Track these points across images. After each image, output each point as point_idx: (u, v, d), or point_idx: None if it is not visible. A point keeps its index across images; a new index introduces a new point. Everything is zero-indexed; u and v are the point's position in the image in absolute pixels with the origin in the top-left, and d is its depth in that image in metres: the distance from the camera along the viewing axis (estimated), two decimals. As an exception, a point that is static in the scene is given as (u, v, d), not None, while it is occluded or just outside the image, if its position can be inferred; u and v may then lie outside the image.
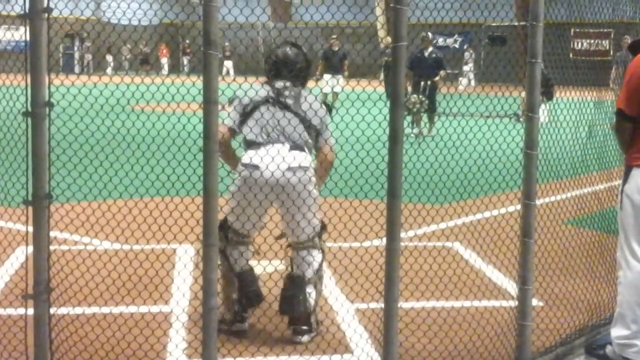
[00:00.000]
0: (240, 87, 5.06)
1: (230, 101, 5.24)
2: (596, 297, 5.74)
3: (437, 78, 17.17)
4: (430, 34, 17.87)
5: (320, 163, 5.34)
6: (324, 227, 5.33)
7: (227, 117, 5.18)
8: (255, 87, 5.21)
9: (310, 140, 5.16)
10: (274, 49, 5.33)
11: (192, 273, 6.31)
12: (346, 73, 23.58)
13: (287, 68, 5.23)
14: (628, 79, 4.82)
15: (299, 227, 5.12)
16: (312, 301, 5.17)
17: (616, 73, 6.63)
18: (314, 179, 5.11)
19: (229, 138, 5.18)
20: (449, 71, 23.76)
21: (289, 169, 5.00)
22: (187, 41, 44.05)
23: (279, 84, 5.20)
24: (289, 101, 5.16)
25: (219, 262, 4.88)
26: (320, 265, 5.27)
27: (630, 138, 4.86)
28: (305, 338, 5.14)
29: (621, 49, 7.49)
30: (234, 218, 5.10)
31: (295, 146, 5.08)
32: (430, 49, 17.79)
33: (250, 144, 5.11)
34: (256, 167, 5.01)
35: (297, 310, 5.15)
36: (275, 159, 4.96)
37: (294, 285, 5.17)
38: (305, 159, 5.07)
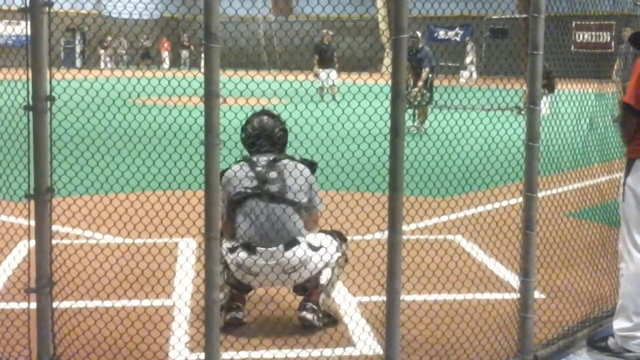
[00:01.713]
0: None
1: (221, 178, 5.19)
2: (598, 289, 5.74)
3: (424, 74, 17.13)
4: (419, 33, 17.78)
5: (309, 226, 5.37)
6: (344, 239, 5.44)
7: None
8: (234, 168, 5.24)
9: (300, 225, 5.21)
10: (250, 118, 5.34)
11: (194, 266, 6.32)
12: (337, 65, 23.67)
13: (266, 140, 5.26)
14: (639, 74, 4.77)
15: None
16: (324, 279, 5.22)
17: (619, 66, 6.62)
18: (312, 256, 5.18)
19: (225, 228, 5.21)
20: (442, 64, 23.75)
21: (284, 272, 5.14)
22: (186, 35, 44.06)
23: (260, 164, 5.21)
24: (274, 188, 5.16)
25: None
26: (342, 259, 5.37)
27: (633, 131, 4.84)
28: (309, 315, 5.17)
29: (622, 41, 7.48)
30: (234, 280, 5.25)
31: (290, 242, 5.13)
32: (420, 45, 17.73)
33: (244, 244, 5.15)
34: (252, 272, 5.14)
35: (308, 284, 5.24)
36: (270, 265, 5.09)
37: None
38: (299, 257, 5.14)
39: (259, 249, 5.12)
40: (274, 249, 5.12)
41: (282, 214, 5.16)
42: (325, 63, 23.51)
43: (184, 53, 45.47)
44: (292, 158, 5.33)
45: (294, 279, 5.22)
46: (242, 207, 5.19)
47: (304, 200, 5.24)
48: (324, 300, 5.26)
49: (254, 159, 5.27)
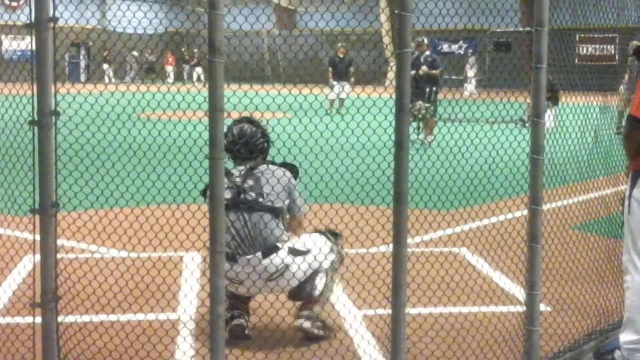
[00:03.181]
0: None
1: (204, 195, 5.25)
2: (604, 301, 5.72)
3: (435, 71, 17.17)
4: (425, 39, 17.84)
5: (293, 229, 5.43)
6: (336, 235, 5.40)
7: None
8: None
9: (278, 231, 5.21)
10: (230, 126, 5.34)
11: (199, 280, 6.31)
12: (352, 80, 23.66)
13: (245, 147, 5.26)
14: None
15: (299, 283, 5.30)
16: (320, 286, 5.23)
17: (628, 78, 6.62)
18: (292, 259, 5.18)
19: None
20: (446, 77, 23.82)
21: (266, 279, 5.16)
22: (184, 49, 44.20)
23: (237, 174, 5.23)
24: (250, 197, 5.18)
25: None
26: (337, 259, 5.36)
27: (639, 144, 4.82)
28: (306, 324, 5.18)
29: (628, 53, 7.49)
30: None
31: (266, 251, 5.15)
32: (427, 52, 17.77)
33: (227, 255, 5.12)
34: (235, 280, 5.17)
35: (301, 295, 5.26)
36: (250, 274, 5.10)
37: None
38: (278, 263, 5.15)
39: (238, 257, 5.14)
40: (251, 256, 5.14)
41: (259, 222, 5.17)
42: (340, 76, 23.55)
43: (185, 68, 45.59)
44: (272, 163, 5.34)
45: (280, 286, 5.23)
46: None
47: (284, 204, 5.25)
48: (317, 310, 5.27)
49: (232, 170, 5.28)
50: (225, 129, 5.31)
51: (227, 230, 5.14)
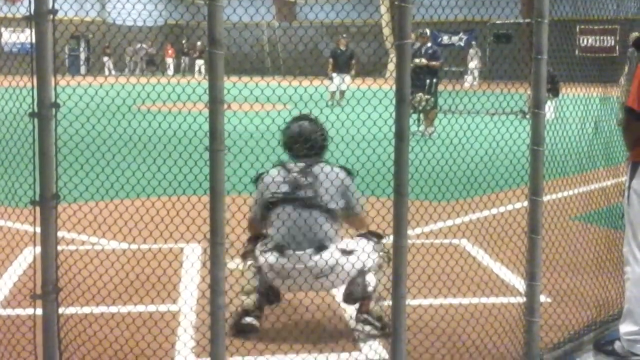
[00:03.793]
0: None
1: (255, 182, 5.34)
2: (604, 292, 5.73)
3: (435, 62, 17.15)
4: (427, 31, 17.82)
5: (356, 228, 5.47)
6: (380, 237, 5.41)
7: (250, 210, 5.38)
8: (271, 173, 5.28)
9: (331, 231, 5.20)
10: (289, 123, 5.39)
11: (199, 272, 6.32)
12: (353, 72, 23.63)
13: (304, 144, 5.27)
14: None
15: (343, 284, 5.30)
16: (373, 282, 5.21)
17: (627, 69, 6.62)
18: (342, 263, 5.16)
19: (256, 228, 5.40)
20: (446, 69, 23.80)
21: (314, 276, 5.13)
22: (184, 42, 44.17)
23: (295, 168, 5.25)
24: (306, 193, 5.19)
25: (250, 258, 5.22)
26: (381, 260, 5.32)
27: (637, 135, 4.83)
28: (367, 328, 5.15)
29: (628, 45, 7.49)
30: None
31: (318, 248, 5.12)
32: (428, 44, 17.75)
33: (275, 247, 5.18)
34: (282, 274, 5.14)
35: (355, 293, 5.22)
36: (299, 269, 5.09)
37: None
38: (328, 260, 5.12)
39: (288, 252, 5.13)
40: (301, 252, 5.12)
41: (312, 219, 5.16)
42: (341, 68, 23.51)
43: (184, 59, 45.56)
44: (328, 163, 5.33)
45: (324, 285, 5.20)
46: (275, 211, 5.22)
47: (338, 205, 5.23)
48: (374, 307, 5.21)
49: (290, 164, 5.30)
50: (284, 126, 5.36)
51: (276, 222, 5.18)
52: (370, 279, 5.23)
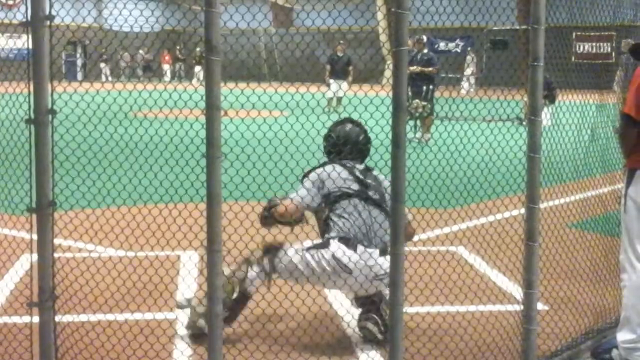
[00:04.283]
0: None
1: (306, 176, 5.27)
2: (601, 300, 5.73)
3: (431, 69, 17.14)
4: (424, 37, 17.83)
5: (408, 235, 5.29)
6: None
7: (297, 194, 5.20)
8: (327, 169, 5.21)
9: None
10: (333, 127, 5.41)
11: (196, 279, 6.31)
12: (350, 78, 23.63)
13: (353, 147, 5.30)
14: (638, 85, 4.76)
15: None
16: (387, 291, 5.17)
17: (620, 77, 6.62)
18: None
19: (294, 214, 5.19)
20: (443, 75, 23.82)
21: (375, 276, 5.05)
22: (178, 47, 44.20)
23: (358, 169, 5.24)
24: (375, 195, 5.18)
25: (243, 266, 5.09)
26: None
27: (634, 142, 4.83)
28: (374, 327, 5.12)
29: (622, 52, 7.50)
30: (287, 273, 5.12)
31: (384, 250, 5.04)
32: (425, 50, 17.76)
33: (343, 238, 5.09)
34: (346, 268, 5.03)
35: (377, 298, 5.20)
36: (365, 268, 5.00)
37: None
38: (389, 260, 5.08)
39: (360, 247, 5.06)
40: (372, 250, 5.07)
41: (380, 219, 5.13)
42: (338, 74, 23.51)
43: (178, 66, 45.55)
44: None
45: (376, 287, 5.11)
46: (342, 203, 5.14)
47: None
48: (387, 310, 5.19)
49: (349, 163, 5.28)
50: (331, 128, 5.38)
51: (345, 217, 5.10)
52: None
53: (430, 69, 17.16)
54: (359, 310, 5.36)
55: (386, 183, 5.19)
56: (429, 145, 15.23)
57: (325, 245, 5.08)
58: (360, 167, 5.29)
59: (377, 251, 5.07)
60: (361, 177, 5.22)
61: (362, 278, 5.03)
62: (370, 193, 5.19)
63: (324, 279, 5.07)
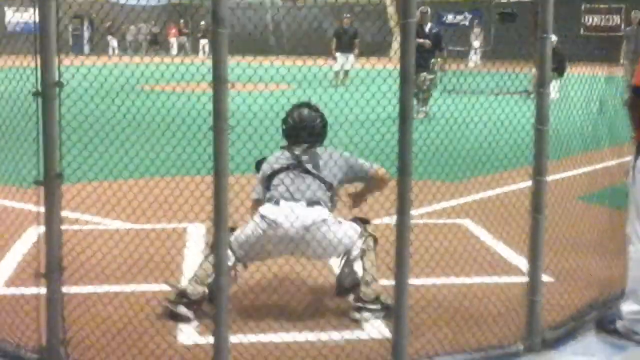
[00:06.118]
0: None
1: (257, 167, 5.44)
2: (607, 272, 5.74)
3: (433, 60, 17.03)
4: (429, 9, 17.69)
5: (375, 183, 5.46)
6: (366, 222, 5.42)
7: (253, 190, 5.44)
8: (274, 154, 5.40)
9: (326, 198, 5.25)
10: (289, 111, 5.46)
11: (202, 251, 6.33)
12: (356, 51, 23.54)
13: (305, 131, 5.36)
14: None
15: (327, 257, 5.32)
16: (359, 274, 5.21)
17: (627, 48, 6.59)
18: (331, 219, 5.19)
19: (255, 208, 5.36)
20: (450, 48, 23.66)
21: (304, 226, 5.09)
22: (182, 21, 44.02)
23: (298, 150, 5.34)
24: (308, 166, 5.29)
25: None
26: (368, 243, 5.30)
27: None
28: (357, 315, 5.14)
29: (631, 24, 7.46)
30: (242, 252, 5.18)
31: (311, 203, 5.15)
32: (430, 24, 17.62)
33: (269, 199, 5.23)
34: (274, 222, 5.11)
35: (345, 283, 5.28)
36: (290, 217, 5.07)
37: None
38: (319, 214, 5.15)
39: (282, 202, 5.16)
40: (295, 203, 5.15)
41: (309, 181, 5.22)
42: (344, 47, 23.44)
43: (181, 39, 45.35)
44: (326, 147, 5.42)
45: (307, 240, 5.14)
46: (274, 179, 5.29)
47: (337, 180, 5.31)
48: (366, 290, 5.20)
49: (292, 147, 5.38)
50: (285, 114, 5.37)
51: (275, 185, 5.24)
52: (357, 267, 5.24)
53: (432, 60, 16.92)
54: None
55: (334, 155, 5.28)
56: (436, 118, 15.17)
57: (256, 212, 5.22)
58: (304, 146, 5.35)
59: (304, 202, 5.14)
60: (299, 154, 5.32)
61: (293, 230, 5.08)
62: (305, 164, 5.28)
63: (267, 245, 5.15)
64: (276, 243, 5.15)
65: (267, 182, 5.33)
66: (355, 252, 5.23)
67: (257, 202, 5.37)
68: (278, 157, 5.37)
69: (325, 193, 5.25)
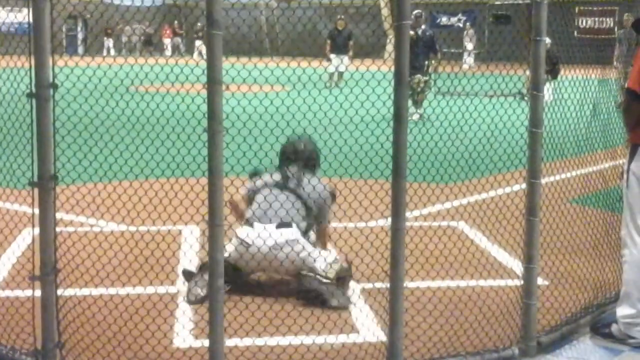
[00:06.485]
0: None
1: (251, 176, 5.90)
2: (601, 275, 5.74)
3: (427, 62, 17.07)
4: (423, 13, 17.75)
5: (321, 238, 5.95)
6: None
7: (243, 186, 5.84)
8: (270, 171, 5.88)
9: (298, 218, 5.63)
10: (293, 139, 5.96)
11: (198, 254, 6.33)
12: (351, 53, 23.57)
13: (297, 156, 5.85)
14: None
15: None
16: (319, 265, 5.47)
17: (619, 51, 6.61)
18: (303, 242, 5.55)
19: (239, 201, 5.92)
20: (445, 50, 23.71)
21: (275, 246, 5.46)
22: (175, 22, 43.99)
23: (290, 170, 5.81)
24: (291, 185, 5.75)
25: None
26: (341, 268, 5.62)
27: (637, 117, 4.82)
28: (314, 282, 5.43)
29: (624, 27, 7.47)
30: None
31: (282, 224, 5.54)
32: (423, 27, 17.66)
33: (247, 221, 5.67)
34: (248, 245, 5.48)
35: (307, 284, 5.49)
36: (263, 238, 5.45)
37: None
38: (291, 233, 5.53)
39: (256, 224, 5.53)
40: (268, 225, 5.50)
41: (287, 201, 5.58)
42: (339, 48, 23.49)
43: (176, 40, 45.30)
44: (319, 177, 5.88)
45: (279, 259, 5.45)
46: (256, 197, 5.74)
47: (314, 206, 5.70)
48: (324, 268, 5.46)
49: (285, 168, 5.83)
50: (284, 143, 5.90)
51: (257, 205, 5.66)
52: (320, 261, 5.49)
53: (426, 62, 16.98)
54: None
55: (319, 186, 5.73)
56: (430, 120, 15.19)
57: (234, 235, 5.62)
58: (295, 169, 5.81)
59: (273, 225, 5.52)
60: (287, 173, 5.79)
61: (265, 249, 5.45)
62: (290, 183, 5.73)
63: (243, 262, 5.51)
64: (248, 260, 5.48)
65: (253, 196, 5.78)
66: (321, 265, 5.48)
67: (244, 198, 5.88)
68: (274, 177, 5.80)
69: (298, 211, 5.62)
